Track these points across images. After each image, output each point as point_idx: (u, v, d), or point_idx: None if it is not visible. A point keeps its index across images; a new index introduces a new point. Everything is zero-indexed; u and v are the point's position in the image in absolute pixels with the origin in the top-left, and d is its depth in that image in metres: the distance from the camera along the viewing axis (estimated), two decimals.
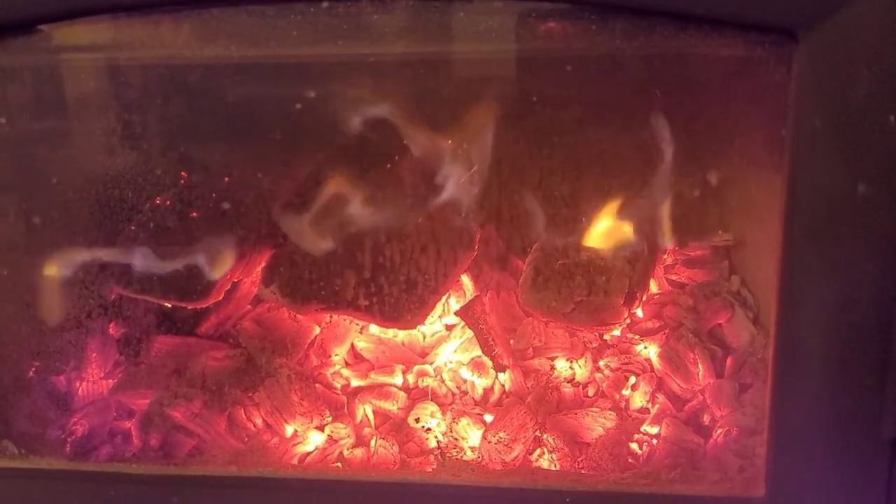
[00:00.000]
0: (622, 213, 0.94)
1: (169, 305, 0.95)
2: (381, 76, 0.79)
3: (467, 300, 1.06)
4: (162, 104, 0.87)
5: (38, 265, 0.85)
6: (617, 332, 1.00)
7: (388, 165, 0.88)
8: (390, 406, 0.98)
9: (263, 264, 0.95)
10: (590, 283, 0.91)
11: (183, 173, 0.97)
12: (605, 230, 0.95)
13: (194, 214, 0.92)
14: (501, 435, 0.90)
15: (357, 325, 1.06)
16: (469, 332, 1.05)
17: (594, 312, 0.91)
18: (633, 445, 0.92)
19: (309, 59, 0.77)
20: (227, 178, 0.91)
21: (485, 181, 0.91)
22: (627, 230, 0.94)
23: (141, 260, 0.86)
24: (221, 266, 0.89)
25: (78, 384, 0.97)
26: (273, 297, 0.91)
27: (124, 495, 0.71)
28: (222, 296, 0.94)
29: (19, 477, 0.75)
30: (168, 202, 0.91)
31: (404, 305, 0.92)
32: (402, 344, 1.07)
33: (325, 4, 0.66)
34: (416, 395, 1.01)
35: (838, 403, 0.63)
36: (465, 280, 1.09)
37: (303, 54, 0.75)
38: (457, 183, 0.88)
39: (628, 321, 0.99)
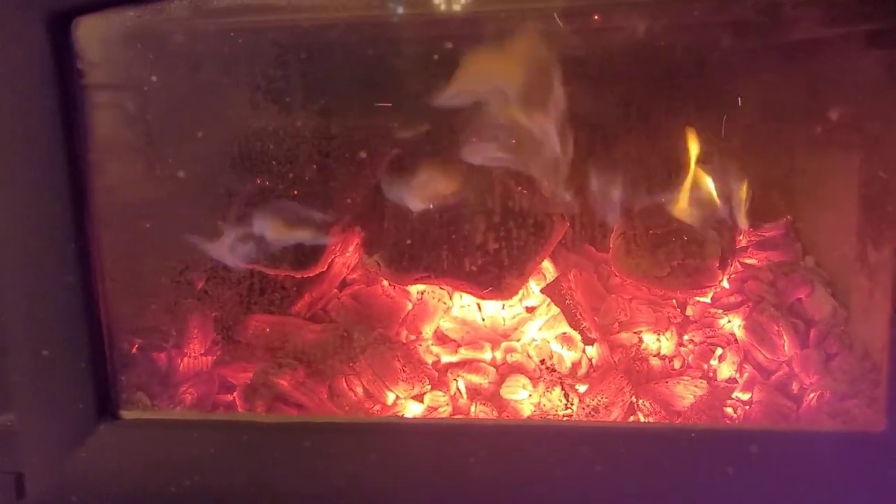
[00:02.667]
0: (709, 184, 0.97)
1: (278, 275, 0.98)
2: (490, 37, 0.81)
3: (548, 282, 1.09)
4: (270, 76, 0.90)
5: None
6: (707, 299, 1.02)
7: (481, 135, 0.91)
8: (481, 380, 1.01)
9: (364, 236, 0.98)
10: (684, 248, 0.94)
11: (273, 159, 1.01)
12: (692, 201, 0.98)
13: (296, 192, 0.96)
14: (601, 398, 0.92)
15: (444, 304, 1.09)
16: (551, 312, 1.08)
17: (691, 275, 0.94)
18: (728, 410, 0.94)
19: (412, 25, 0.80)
20: (329, 150, 0.94)
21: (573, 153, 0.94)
22: (714, 201, 0.97)
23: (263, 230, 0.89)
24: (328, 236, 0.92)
25: (180, 359, 1.00)
26: (376, 266, 0.94)
27: (257, 441, 0.74)
28: (326, 267, 0.97)
29: (155, 427, 0.77)
30: (285, 173, 0.94)
31: (502, 274, 0.95)
32: (485, 325, 1.10)
33: None
34: (505, 371, 1.03)
35: None
36: (545, 263, 1.12)
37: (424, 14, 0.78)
38: (550, 153, 0.92)
39: (721, 285, 1.01)
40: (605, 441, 0.71)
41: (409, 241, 0.94)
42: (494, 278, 0.94)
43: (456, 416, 0.89)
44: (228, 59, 0.83)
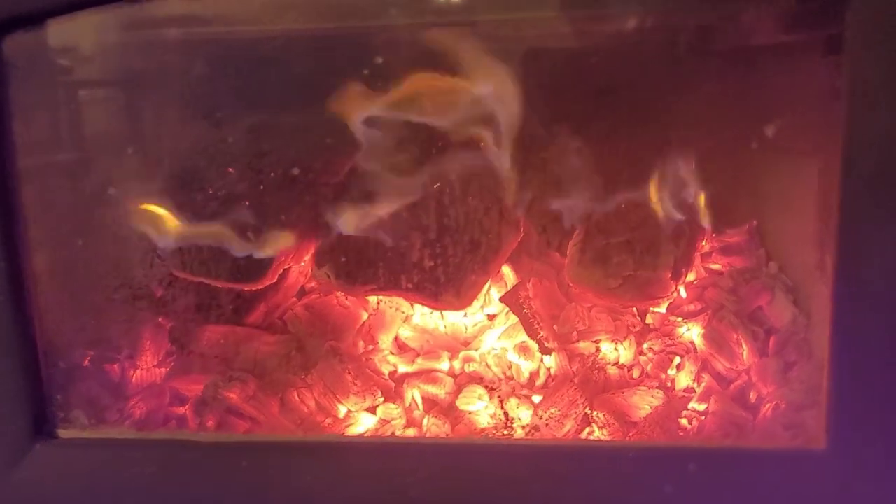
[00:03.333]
0: (664, 193, 0.96)
1: (225, 287, 0.97)
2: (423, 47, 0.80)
3: (509, 289, 1.08)
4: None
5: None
6: (662, 310, 1.01)
7: (438, 145, 0.90)
8: (438, 391, 0.99)
9: (316, 246, 0.97)
10: (636, 259, 0.93)
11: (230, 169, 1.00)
12: (647, 210, 0.97)
13: (247, 202, 0.94)
14: (553, 411, 0.91)
15: (402, 313, 1.08)
16: (511, 321, 1.07)
17: (642, 287, 0.93)
18: (683, 421, 0.93)
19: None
20: (279, 162, 0.93)
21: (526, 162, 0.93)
22: (670, 209, 0.96)
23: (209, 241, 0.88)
24: (277, 246, 0.91)
25: (132, 371, 0.99)
26: (326, 278, 0.93)
27: (195, 460, 0.73)
28: (276, 279, 0.96)
29: (94, 446, 0.76)
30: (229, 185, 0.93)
31: (454, 285, 0.94)
32: (446, 333, 1.09)
33: None
34: (463, 381, 1.02)
35: None
36: (506, 270, 1.11)
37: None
38: (501, 163, 0.91)
39: (675, 295, 1.00)
40: (546, 459, 0.70)
41: (358, 254, 0.92)
42: (445, 289, 0.93)
43: (393, 436, 0.88)
44: (169, 72, 0.82)
